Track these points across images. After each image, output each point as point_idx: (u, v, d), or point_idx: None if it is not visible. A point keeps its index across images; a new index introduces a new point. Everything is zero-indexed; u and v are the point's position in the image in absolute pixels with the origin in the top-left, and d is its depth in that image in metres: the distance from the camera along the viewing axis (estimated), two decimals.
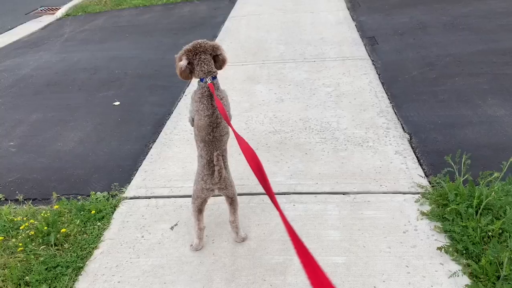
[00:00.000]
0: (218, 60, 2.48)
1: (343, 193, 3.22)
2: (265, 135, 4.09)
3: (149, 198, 3.37)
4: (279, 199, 3.20)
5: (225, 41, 6.94)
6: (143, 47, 7.19)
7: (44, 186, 3.70)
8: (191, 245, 2.82)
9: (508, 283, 2.28)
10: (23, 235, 2.99)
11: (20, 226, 3.08)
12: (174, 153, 3.95)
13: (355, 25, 7.13)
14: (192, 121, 2.58)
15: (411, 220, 2.89)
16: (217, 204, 3.20)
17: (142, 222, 3.12)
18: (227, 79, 5.36)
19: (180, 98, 5.11)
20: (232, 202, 2.67)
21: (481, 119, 3.97)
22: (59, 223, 3.11)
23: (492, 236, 2.58)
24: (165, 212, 3.20)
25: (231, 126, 2.16)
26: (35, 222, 3.10)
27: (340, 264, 2.61)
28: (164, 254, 2.82)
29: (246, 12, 8.56)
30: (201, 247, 2.82)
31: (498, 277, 2.33)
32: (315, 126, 4.16)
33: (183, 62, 2.38)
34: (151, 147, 4.11)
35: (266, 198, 3.22)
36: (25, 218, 3.17)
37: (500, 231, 2.58)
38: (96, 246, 2.93)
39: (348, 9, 7.98)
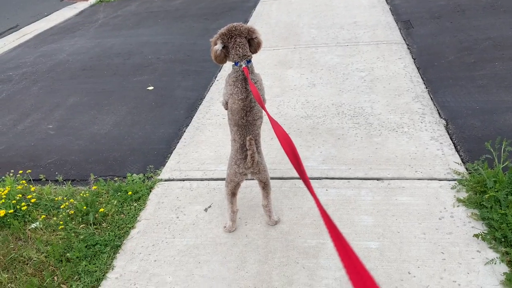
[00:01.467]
0: (253, 44, 2.45)
1: (377, 179, 3.19)
2: (297, 120, 4.08)
3: (183, 180, 3.43)
4: (312, 183, 3.19)
5: (256, 25, 6.90)
6: (174, 32, 7.25)
7: (82, 167, 3.82)
8: (225, 226, 2.86)
9: None
10: (63, 213, 3.10)
11: (60, 206, 3.20)
12: (207, 137, 4.00)
13: (390, 8, 6.96)
14: (225, 105, 2.58)
15: (447, 207, 2.84)
16: (249, 187, 3.23)
17: (177, 203, 3.18)
18: (258, 63, 5.35)
19: (212, 83, 5.14)
20: (265, 186, 2.69)
21: None
22: (97, 203, 3.21)
23: None
24: (199, 194, 3.25)
25: (266, 110, 2.16)
26: (75, 202, 3.21)
27: (373, 249, 2.60)
28: (198, 235, 2.87)
29: None
30: (234, 229, 2.86)
31: None
32: (348, 111, 4.11)
33: (218, 46, 2.38)
34: (184, 131, 4.16)
35: (298, 182, 3.23)
36: (65, 198, 3.28)
37: None
38: (133, 226, 3.02)
39: None
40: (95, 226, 3.00)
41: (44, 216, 3.14)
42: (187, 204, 3.17)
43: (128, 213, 3.12)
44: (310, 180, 2.74)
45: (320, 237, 2.73)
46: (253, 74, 2.48)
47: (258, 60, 5.40)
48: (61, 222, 3.03)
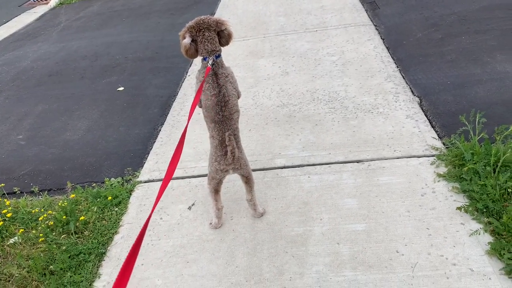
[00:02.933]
0: (224, 36, 2.38)
1: (357, 161, 3.20)
2: (273, 109, 4.05)
3: None
4: (294, 171, 3.20)
5: (223, 16, 6.80)
6: (141, 30, 7.10)
7: (58, 176, 3.71)
8: (210, 223, 2.83)
9: None
10: (42, 225, 3.01)
11: (38, 218, 3.10)
12: None
13: None
14: (199, 102, 2.52)
15: (428, 183, 2.87)
16: (232, 181, 3.20)
17: (159, 204, 3.13)
18: (229, 55, 5.30)
19: (184, 79, 5.06)
20: (247, 180, 2.66)
21: (491, 76, 3.91)
22: (77, 211, 3.13)
23: None
24: (181, 193, 3.20)
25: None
26: (53, 213, 3.11)
27: (360, 231, 2.61)
28: (184, 234, 2.83)
29: None
30: (221, 225, 2.83)
31: None
32: (323, 96, 4.11)
33: (187, 40, 2.30)
34: (160, 130, 4.09)
35: (280, 171, 3.21)
36: (42, 210, 3.19)
37: None
38: (116, 231, 2.95)
39: None
40: (77, 235, 2.93)
41: (23, 230, 3.04)
42: (169, 204, 3.12)
43: (110, 219, 3.05)
44: (293, 168, 2.74)
45: (307, 224, 2.72)
46: (223, 68, 2.41)
47: (228, 52, 5.35)
48: (41, 235, 2.94)
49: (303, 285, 2.35)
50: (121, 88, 5.07)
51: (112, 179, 3.51)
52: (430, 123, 3.50)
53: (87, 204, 3.22)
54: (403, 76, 4.24)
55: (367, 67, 4.50)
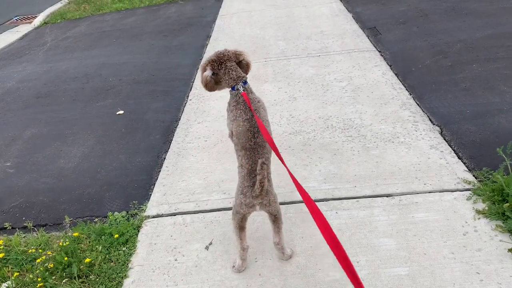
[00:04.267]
0: (243, 66, 2.45)
1: (387, 195, 2.99)
2: (286, 137, 3.83)
3: (174, 215, 3.08)
4: (318, 206, 2.94)
5: (220, 40, 6.65)
6: (133, 51, 6.83)
7: (54, 209, 3.36)
8: (233, 266, 2.54)
9: None
10: (40, 268, 2.66)
11: (35, 259, 2.75)
12: (191, 163, 3.66)
13: (352, 16, 6.92)
14: (231, 134, 2.40)
15: (468, 221, 2.67)
16: (252, 217, 2.92)
17: (172, 243, 2.82)
18: None
19: (186, 103, 4.80)
20: (275, 219, 2.41)
21: (511, 106, 3.79)
22: (79, 251, 2.79)
23: None
24: (195, 230, 2.91)
25: (278, 154, 2.00)
26: (52, 253, 2.77)
27: (403, 276, 2.37)
28: (204, 279, 2.53)
29: (236, 9, 8.27)
30: (244, 268, 2.54)
31: None
32: (337, 124, 3.92)
33: (208, 73, 2.35)
34: (164, 158, 3.81)
35: (303, 206, 2.96)
36: (40, 250, 2.84)
37: None
38: (125, 275, 2.63)
39: (341, 1, 7.76)
40: (81, 280, 2.59)
41: (17, 273, 2.68)
42: (183, 242, 2.82)
43: (118, 260, 2.72)
44: (316, 203, 2.54)
45: None
46: (252, 94, 2.41)
47: None
48: (39, 279, 2.59)
49: None
50: (121, 112, 4.77)
51: (116, 213, 3.19)
52: (456, 154, 3.33)
53: (89, 242, 2.89)
54: (418, 104, 4.10)
55: (379, 94, 4.34)
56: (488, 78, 4.31)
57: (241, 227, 2.39)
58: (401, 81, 4.58)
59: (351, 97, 4.37)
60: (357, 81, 4.68)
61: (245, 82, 2.36)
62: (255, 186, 2.18)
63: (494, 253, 2.43)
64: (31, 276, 2.64)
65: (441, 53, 5.06)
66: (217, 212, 3.04)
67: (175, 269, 2.63)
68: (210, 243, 2.78)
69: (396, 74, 4.75)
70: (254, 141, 2.24)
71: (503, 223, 2.58)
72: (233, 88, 2.35)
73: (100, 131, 4.46)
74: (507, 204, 2.63)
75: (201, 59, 5.96)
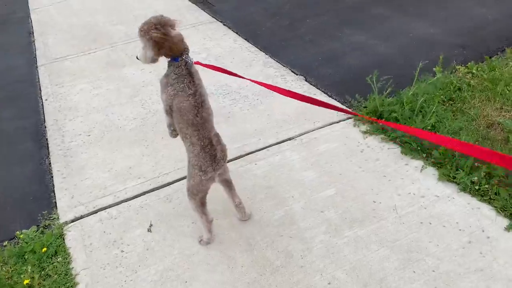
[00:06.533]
0: None
1: (289, 139, 3.36)
2: None
3: (96, 212, 2.91)
4: (237, 163, 3.16)
5: (48, 33, 6.05)
6: None
7: None
8: (201, 240, 2.56)
9: (465, 157, 2.81)
10: None
11: None
12: (85, 160, 3.43)
13: None
14: (169, 109, 2.25)
15: (360, 140, 3.23)
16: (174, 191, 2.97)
17: (110, 237, 2.70)
18: (84, 70, 4.80)
19: (42, 104, 4.34)
20: (230, 184, 2.52)
21: (351, 47, 4.55)
22: (6, 278, 2.46)
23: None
24: (128, 218, 2.83)
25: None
26: None
27: (333, 195, 2.79)
28: (162, 257, 2.53)
29: (48, 1, 7.54)
30: (213, 240, 2.59)
31: (453, 156, 2.85)
32: (217, 91, 4.12)
33: (157, 34, 2.06)
34: (49, 163, 3.47)
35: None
36: None
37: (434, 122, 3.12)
38: (74, 283, 2.44)
39: None
40: None
41: None
42: (121, 233, 2.73)
43: (57, 273, 2.49)
44: (234, 160, 2.77)
45: (283, 204, 2.76)
46: (193, 67, 2.24)
47: (82, 67, 4.84)
48: None
49: (316, 257, 2.41)
50: None
51: (24, 230, 2.85)
52: (325, 93, 3.89)
53: (11, 267, 2.56)
54: (277, 61, 4.56)
55: (240, 58, 4.67)
56: (324, 29, 5.02)
57: (203, 203, 2.39)
58: (253, 45, 4.98)
59: (217, 65, 4.58)
60: (215, 50, 4.92)
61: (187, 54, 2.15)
62: (216, 158, 2.23)
63: (388, 158, 3.03)
64: None
65: (276, 14, 5.63)
66: (142, 196, 2.98)
67: (127, 259, 2.55)
68: (151, 225, 2.75)
69: (246, 39, 5.13)
70: (200, 116, 2.17)
71: (384, 135, 3.20)
72: (175, 59, 2.15)
73: None
74: (383, 119, 3.25)
75: (34, 57, 5.38)
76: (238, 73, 2.31)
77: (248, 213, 2.69)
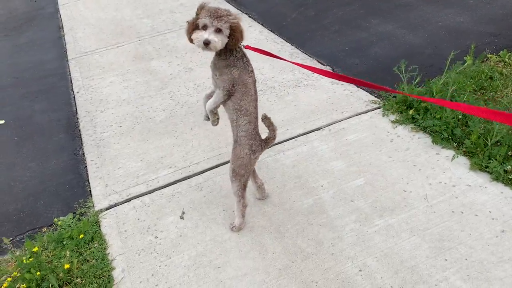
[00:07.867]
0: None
1: (317, 129, 3.37)
2: (201, 105, 3.92)
3: (130, 200, 2.99)
4: (265, 153, 3.19)
5: (77, 28, 6.19)
6: None
7: None
8: (233, 226, 2.62)
9: (498, 146, 2.78)
10: None
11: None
12: (117, 150, 3.52)
13: None
14: (232, 89, 2.24)
15: (389, 130, 3.22)
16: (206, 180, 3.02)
17: (144, 224, 2.78)
18: (113, 64, 4.90)
19: (74, 97, 4.47)
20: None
21: (378, 37, 4.51)
22: (46, 262, 2.56)
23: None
24: (161, 206, 2.90)
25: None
26: (16, 275, 2.49)
27: (363, 184, 2.79)
28: (195, 243, 2.59)
29: None
30: (244, 226, 2.64)
31: (485, 145, 2.81)
32: None
33: (236, 20, 2.19)
34: (83, 154, 3.58)
35: None
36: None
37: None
38: (111, 268, 2.52)
39: None
40: None
41: None
42: (155, 220, 2.80)
43: (94, 258, 2.59)
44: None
45: (312, 193, 2.78)
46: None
47: (111, 61, 4.94)
48: None
49: (347, 245, 2.42)
50: (2, 121, 4.21)
51: (62, 217, 2.95)
52: (353, 84, 3.86)
53: (50, 252, 2.66)
54: (303, 52, 4.56)
55: (267, 49, 4.67)
56: (350, 19, 4.99)
57: (245, 186, 2.47)
58: (279, 36, 4.99)
59: None
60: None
61: None
62: (266, 138, 2.39)
63: (418, 148, 3.01)
64: None
65: (302, 5, 5.61)
66: (174, 185, 3.05)
67: (160, 245, 2.62)
68: (183, 212, 2.82)
69: (271, 31, 5.14)
70: (256, 92, 2.33)
71: (414, 124, 3.17)
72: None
73: None
74: (412, 110, 3.23)
75: (64, 51, 5.52)
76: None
77: (266, 193, 2.79)
